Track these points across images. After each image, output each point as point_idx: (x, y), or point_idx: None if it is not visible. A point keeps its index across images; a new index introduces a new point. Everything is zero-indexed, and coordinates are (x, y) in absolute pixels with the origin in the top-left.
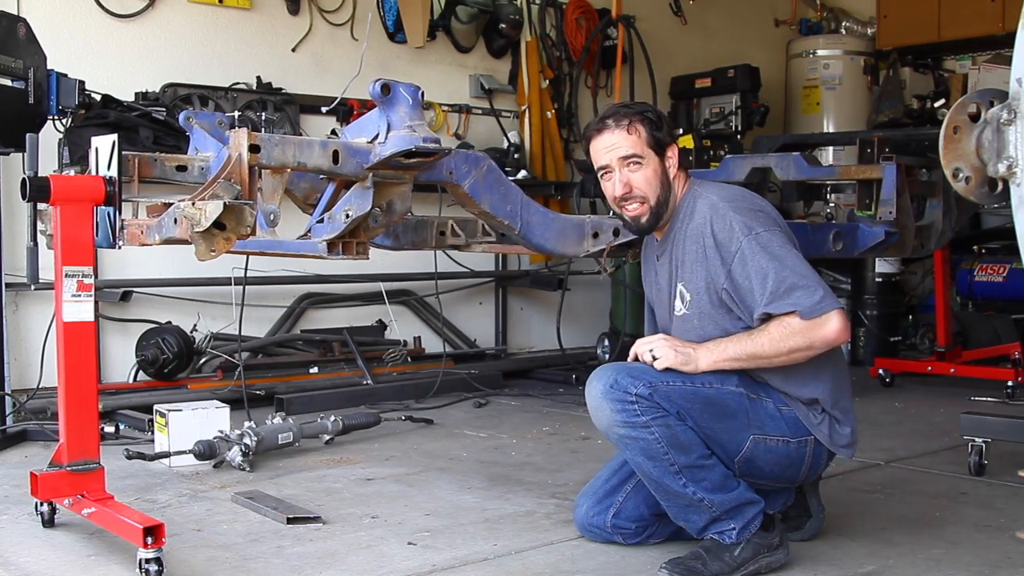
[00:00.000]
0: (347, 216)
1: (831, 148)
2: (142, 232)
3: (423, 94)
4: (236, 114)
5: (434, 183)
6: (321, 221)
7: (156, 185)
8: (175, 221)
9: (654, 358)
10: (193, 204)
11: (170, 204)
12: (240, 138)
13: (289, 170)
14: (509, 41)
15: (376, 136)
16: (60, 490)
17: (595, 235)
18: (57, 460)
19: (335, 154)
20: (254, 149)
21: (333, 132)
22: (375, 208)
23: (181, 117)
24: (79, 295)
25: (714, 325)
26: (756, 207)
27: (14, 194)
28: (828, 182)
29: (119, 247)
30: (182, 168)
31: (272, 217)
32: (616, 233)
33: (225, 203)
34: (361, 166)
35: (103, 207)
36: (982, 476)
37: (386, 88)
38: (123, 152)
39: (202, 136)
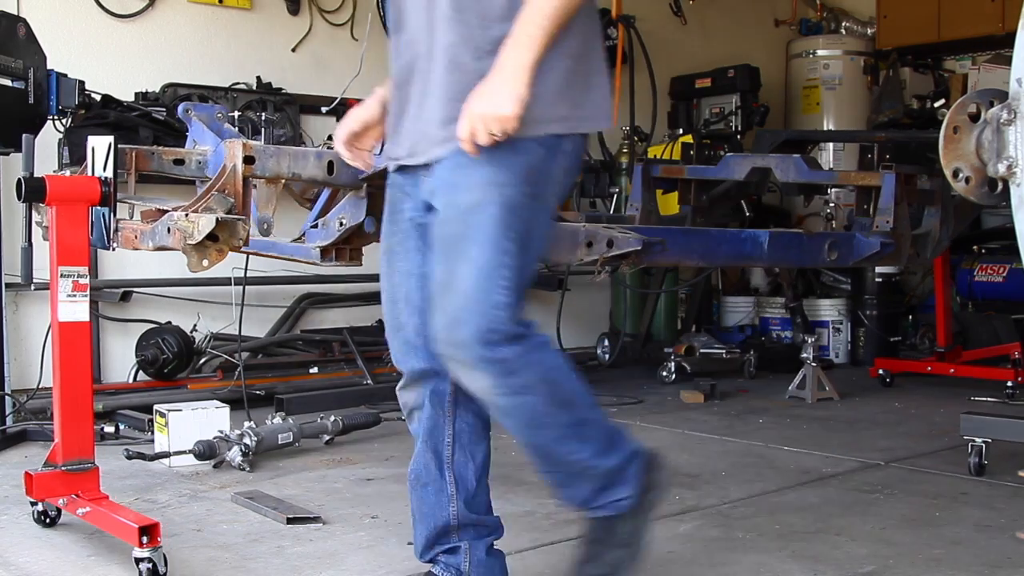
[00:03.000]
0: (341, 224)
1: (831, 147)
2: (136, 236)
3: None
4: (236, 114)
5: None
6: (316, 226)
7: (154, 183)
8: (168, 231)
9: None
10: (187, 216)
11: (164, 211)
12: (235, 149)
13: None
14: None
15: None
16: (55, 490)
17: (589, 244)
18: (52, 460)
19: (330, 165)
20: (249, 160)
21: (330, 137)
22: (369, 216)
23: (180, 109)
24: (74, 295)
25: None
26: None
27: (14, 194)
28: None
29: (113, 248)
30: (179, 162)
31: (265, 226)
32: (610, 244)
33: (218, 218)
34: (356, 176)
35: (98, 207)
36: (982, 476)
37: None
38: (119, 147)
39: (200, 129)
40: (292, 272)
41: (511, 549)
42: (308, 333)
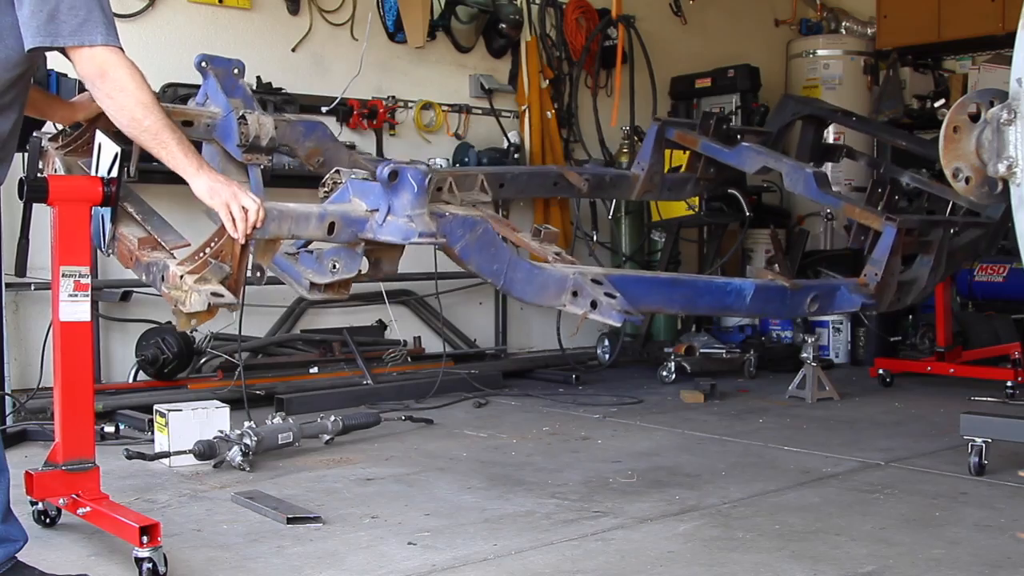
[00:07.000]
0: (334, 267)
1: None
2: (131, 259)
3: (431, 180)
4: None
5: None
6: (309, 250)
7: (154, 184)
8: (162, 279)
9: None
10: (181, 278)
11: (161, 244)
12: None
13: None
14: (509, 41)
15: (375, 210)
16: (55, 490)
17: (574, 294)
18: (52, 460)
19: (331, 226)
20: None
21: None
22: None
23: (196, 61)
24: (76, 295)
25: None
26: None
27: (14, 194)
28: (844, 145)
29: (108, 254)
30: (188, 123)
31: (259, 274)
32: (594, 305)
33: (209, 304)
34: (355, 235)
35: (99, 207)
36: (982, 476)
37: (394, 174)
38: (124, 164)
39: (214, 87)
40: None
41: (511, 549)
42: (308, 333)
